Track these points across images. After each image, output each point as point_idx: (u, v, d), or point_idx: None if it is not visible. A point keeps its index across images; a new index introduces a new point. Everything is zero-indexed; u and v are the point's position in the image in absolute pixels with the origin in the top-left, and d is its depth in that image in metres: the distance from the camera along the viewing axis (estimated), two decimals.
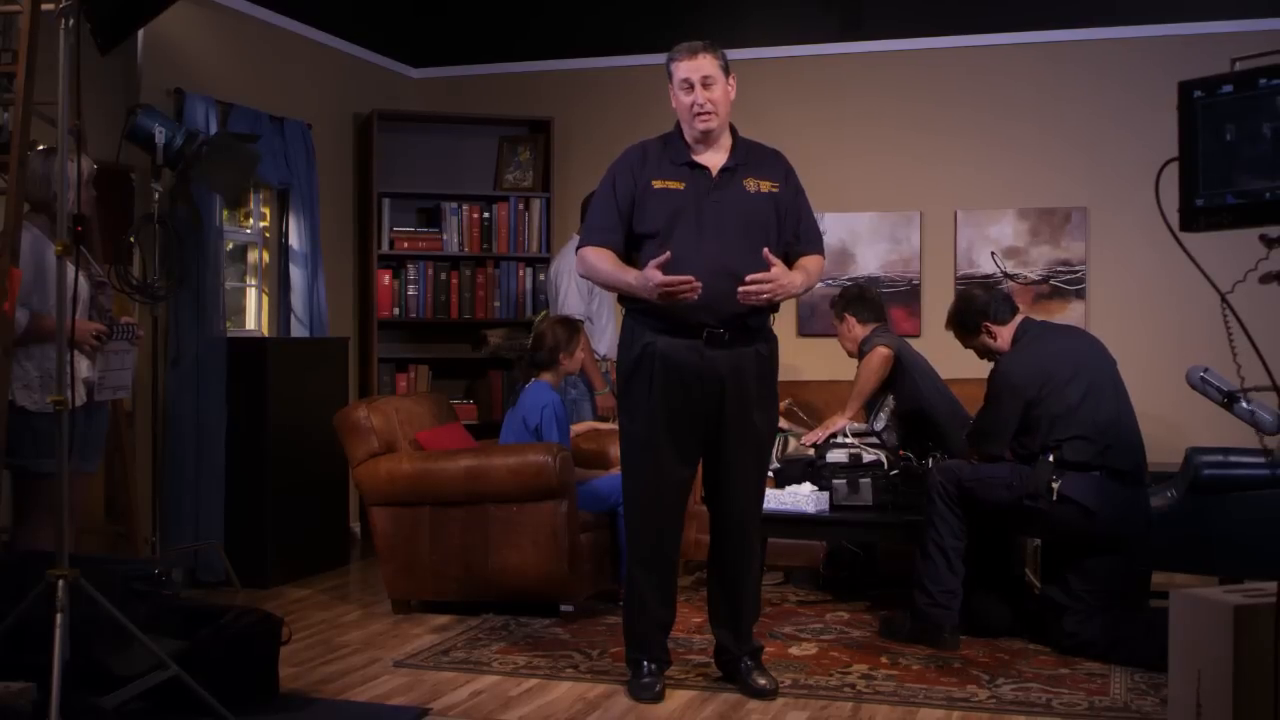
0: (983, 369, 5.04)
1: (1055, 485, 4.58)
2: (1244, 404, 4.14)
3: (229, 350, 6.01)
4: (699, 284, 3.83)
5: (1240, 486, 4.82)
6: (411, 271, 7.52)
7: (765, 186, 4.11)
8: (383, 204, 7.46)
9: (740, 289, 3.88)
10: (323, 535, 6.40)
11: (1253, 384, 2.89)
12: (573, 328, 5.69)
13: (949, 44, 7.16)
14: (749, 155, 4.15)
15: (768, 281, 3.88)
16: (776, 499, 5.10)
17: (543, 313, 7.26)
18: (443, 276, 7.57)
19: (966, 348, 5.15)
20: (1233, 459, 4.92)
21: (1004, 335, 4.95)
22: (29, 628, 3.47)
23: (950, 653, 4.64)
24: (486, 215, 7.62)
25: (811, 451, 5.43)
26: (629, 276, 3.99)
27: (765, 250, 3.91)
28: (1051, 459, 4.62)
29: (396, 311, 7.51)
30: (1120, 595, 4.69)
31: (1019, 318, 5.00)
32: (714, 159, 4.10)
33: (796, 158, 4.30)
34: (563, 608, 5.27)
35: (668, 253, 3.88)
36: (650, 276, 3.86)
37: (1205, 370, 4.23)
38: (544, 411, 5.40)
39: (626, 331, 4.16)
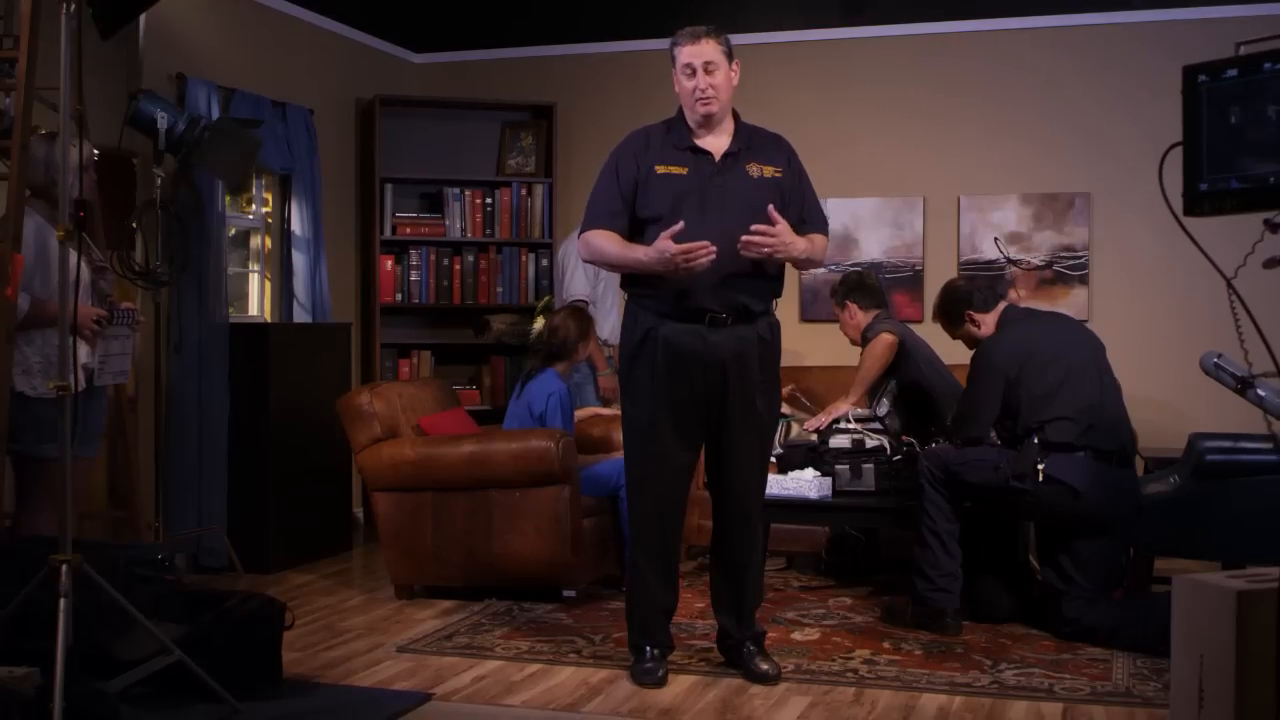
0: None
1: (1041, 467, 4.60)
2: (1258, 390, 4.14)
3: (231, 336, 6.01)
4: (714, 247, 3.84)
5: (1244, 472, 4.81)
6: (414, 257, 7.51)
7: (768, 171, 4.10)
8: (385, 189, 7.45)
9: (743, 238, 3.88)
10: (325, 520, 6.40)
11: (1258, 367, 2.88)
12: (585, 319, 5.70)
13: (952, 29, 7.14)
14: (751, 140, 4.15)
15: (771, 235, 3.89)
16: (779, 484, 5.10)
17: (546, 298, 7.27)
18: (445, 262, 7.57)
19: (954, 338, 5.23)
20: (1239, 444, 4.92)
21: (988, 322, 5.02)
22: (33, 613, 3.48)
23: (952, 638, 4.65)
24: (489, 201, 7.61)
25: (814, 437, 5.43)
26: (638, 253, 3.99)
27: (770, 207, 3.91)
28: (1036, 441, 4.64)
29: (399, 297, 7.51)
30: (1113, 578, 4.72)
31: (1002, 305, 5.07)
32: (716, 144, 4.10)
33: (799, 143, 4.29)
34: (565, 593, 5.28)
35: (680, 223, 3.88)
36: (664, 248, 3.86)
37: (1219, 356, 4.23)
38: (549, 400, 5.40)
39: (629, 317, 4.16)
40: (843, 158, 7.14)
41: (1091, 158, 6.95)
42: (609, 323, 6.33)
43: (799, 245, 4.01)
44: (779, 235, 3.91)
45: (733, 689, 4.07)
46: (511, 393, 5.76)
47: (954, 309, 5.09)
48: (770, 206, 3.92)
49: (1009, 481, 4.66)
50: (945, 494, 4.76)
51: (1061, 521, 4.70)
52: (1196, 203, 2.48)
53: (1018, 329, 4.92)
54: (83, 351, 4.35)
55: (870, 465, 5.20)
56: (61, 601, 3.37)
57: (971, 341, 5.08)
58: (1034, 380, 4.72)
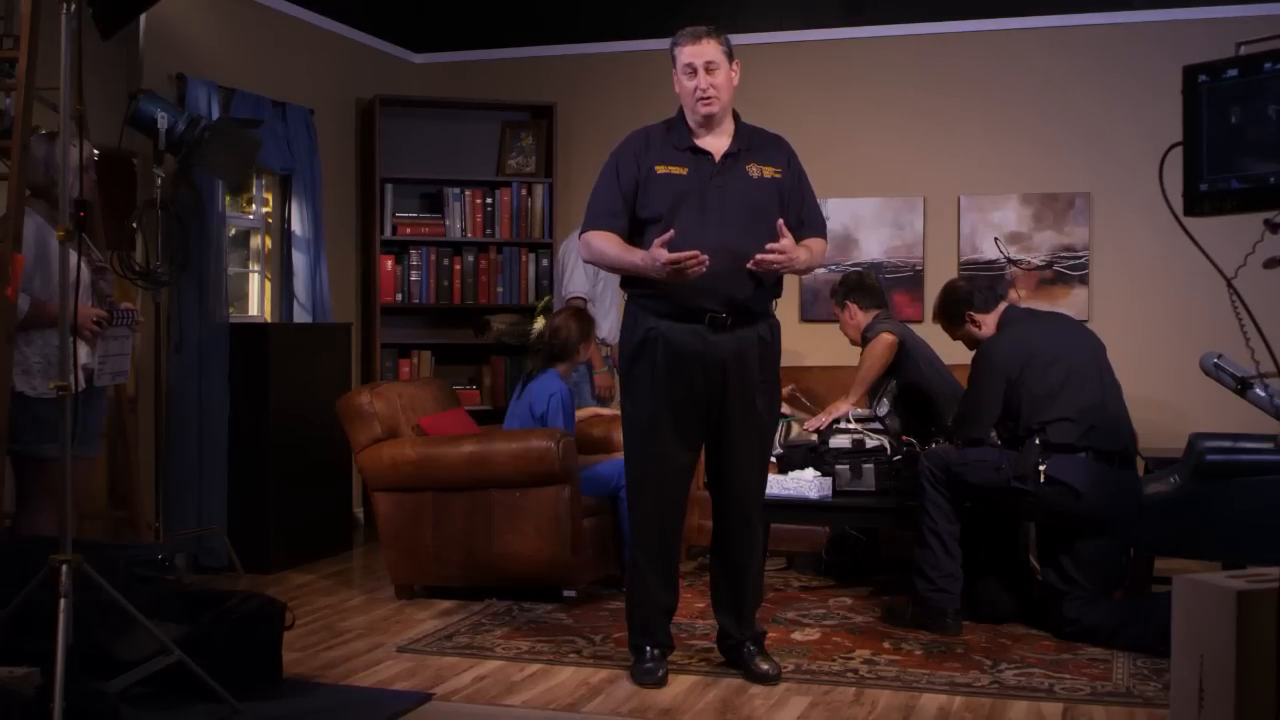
0: None
1: (1042, 468, 4.60)
2: (1258, 390, 4.14)
3: (231, 336, 6.01)
4: (705, 257, 3.84)
5: (1245, 472, 4.81)
6: (414, 257, 7.51)
7: (768, 172, 4.11)
8: (385, 189, 7.45)
9: (758, 256, 3.89)
10: (326, 520, 6.40)
11: (1262, 367, 2.89)
12: (586, 319, 5.70)
13: (952, 29, 7.13)
14: (751, 140, 4.15)
15: (781, 252, 3.90)
16: (779, 484, 5.10)
17: (546, 298, 7.27)
18: (445, 262, 7.57)
19: (954, 339, 5.24)
20: (1239, 444, 4.92)
21: (988, 323, 5.02)
22: (33, 613, 3.48)
23: (953, 638, 4.65)
24: (489, 201, 7.61)
25: (814, 437, 5.43)
26: (635, 257, 4.00)
27: (780, 222, 3.93)
28: (1038, 442, 4.65)
29: (399, 297, 7.51)
30: (1113, 578, 4.72)
31: (1003, 305, 5.08)
32: (717, 144, 4.10)
33: (800, 143, 4.30)
34: (565, 593, 5.28)
35: (671, 230, 3.89)
36: (657, 255, 3.86)
37: (1219, 356, 4.23)
38: (551, 400, 5.40)
39: (629, 317, 4.16)
40: (843, 158, 7.14)
41: (1091, 158, 6.94)
42: (608, 322, 6.33)
43: (801, 257, 4.03)
44: (787, 251, 3.93)
45: (733, 689, 4.07)
46: (512, 393, 5.77)
47: (954, 309, 5.10)
48: (780, 222, 3.94)
49: (1010, 482, 4.67)
50: (946, 494, 4.76)
51: (1062, 522, 4.70)
52: (1197, 203, 2.49)
53: (1018, 329, 4.93)
54: (83, 352, 4.35)
55: (870, 465, 5.20)
56: (61, 601, 3.37)
57: (972, 342, 5.09)
58: (1035, 381, 4.72)
